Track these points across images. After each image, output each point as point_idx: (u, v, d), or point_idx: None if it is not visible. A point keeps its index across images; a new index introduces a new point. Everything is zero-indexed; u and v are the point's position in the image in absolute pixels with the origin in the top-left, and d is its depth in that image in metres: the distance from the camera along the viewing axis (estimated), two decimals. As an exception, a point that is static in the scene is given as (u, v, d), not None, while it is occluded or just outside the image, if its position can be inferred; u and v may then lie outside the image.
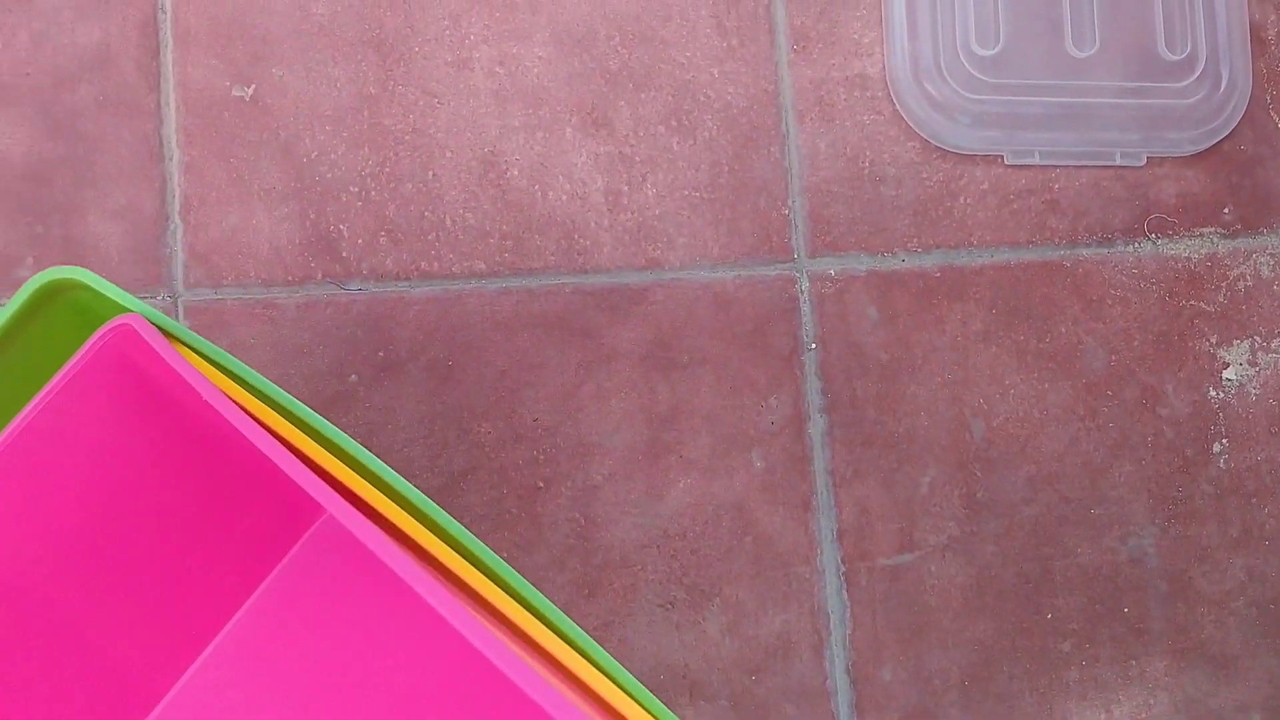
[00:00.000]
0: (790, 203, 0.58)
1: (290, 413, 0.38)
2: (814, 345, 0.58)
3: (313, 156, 0.55)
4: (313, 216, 0.54)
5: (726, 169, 0.58)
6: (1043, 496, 0.58)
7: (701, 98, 0.58)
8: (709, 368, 0.57)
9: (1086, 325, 0.60)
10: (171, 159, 0.54)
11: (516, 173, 0.56)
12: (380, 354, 0.54)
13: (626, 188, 0.57)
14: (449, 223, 0.56)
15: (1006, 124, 0.60)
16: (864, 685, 0.56)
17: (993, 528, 0.58)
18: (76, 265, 0.52)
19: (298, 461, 0.32)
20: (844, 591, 0.56)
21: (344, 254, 0.55)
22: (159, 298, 0.53)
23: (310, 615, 0.45)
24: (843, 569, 0.57)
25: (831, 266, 0.58)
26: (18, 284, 0.52)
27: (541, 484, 0.55)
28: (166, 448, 0.41)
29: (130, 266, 0.53)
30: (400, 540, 0.36)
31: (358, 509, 0.35)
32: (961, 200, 0.59)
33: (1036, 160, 0.60)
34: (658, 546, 0.55)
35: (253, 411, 0.37)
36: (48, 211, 0.52)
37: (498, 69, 0.57)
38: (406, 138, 0.56)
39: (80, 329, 0.38)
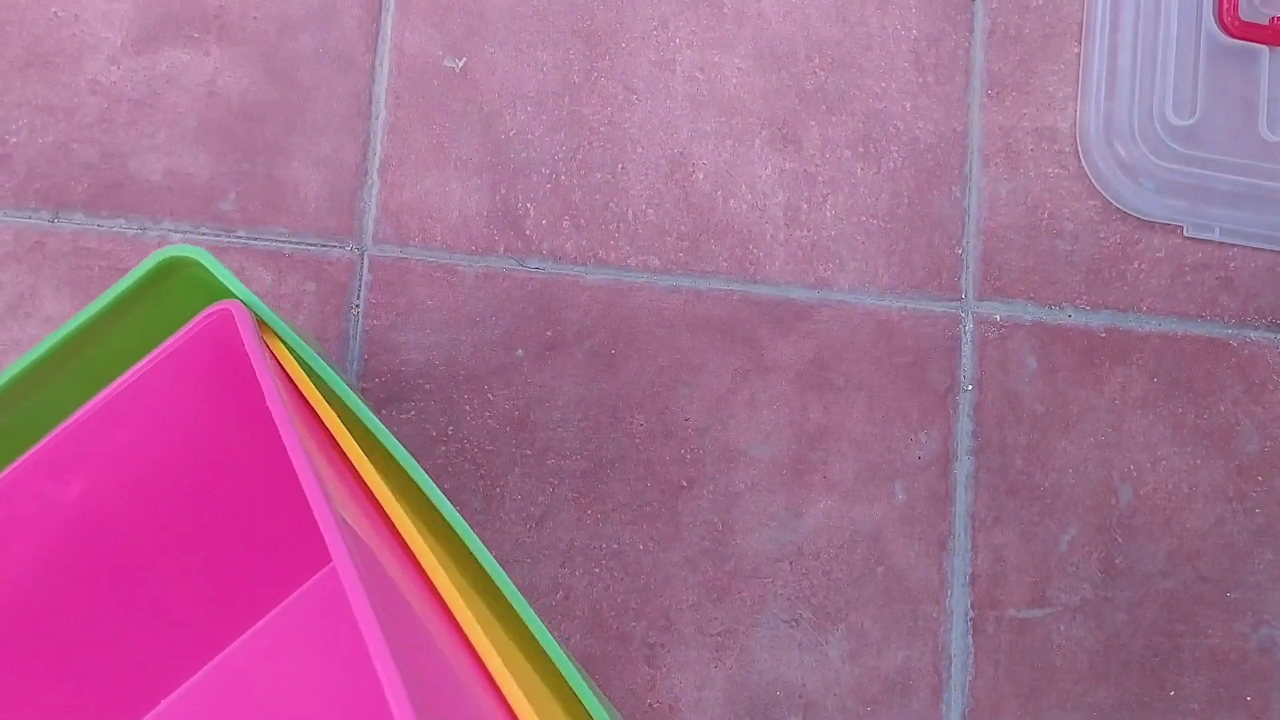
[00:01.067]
0: (964, 243, 0.58)
1: (358, 423, 0.38)
2: (970, 387, 0.57)
3: (510, 134, 0.56)
4: (503, 192, 0.56)
5: (906, 201, 0.58)
6: (1181, 572, 0.57)
7: (891, 128, 0.59)
8: (864, 394, 0.57)
9: (1246, 407, 0.59)
10: (377, 118, 0.55)
11: (702, 176, 0.57)
12: (548, 333, 0.55)
13: (806, 205, 0.58)
14: (630, 216, 0.56)
15: (1191, 195, 0.59)
16: (974, 735, 0.55)
17: (1127, 596, 0.57)
18: (274, 207, 0.54)
19: (324, 501, 0.29)
20: (970, 637, 0.56)
21: (527, 232, 0.56)
22: (347, 248, 0.54)
23: (295, 665, 0.45)
24: (971, 614, 0.56)
25: (998, 311, 0.58)
26: (220, 216, 0.54)
27: (685, 483, 0.55)
28: (237, 442, 0.40)
29: (324, 215, 0.54)
30: (424, 578, 0.35)
31: (398, 543, 0.34)
32: (1136, 265, 0.59)
33: (1216, 236, 0.60)
34: (790, 563, 0.55)
35: (321, 415, 0.36)
36: (256, 150, 0.54)
37: (697, 74, 0.58)
38: (602, 129, 0.57)
39: (200, 305, 0.38)
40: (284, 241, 0.54)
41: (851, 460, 0.56)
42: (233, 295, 0.38)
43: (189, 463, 0.40)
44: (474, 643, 0.31)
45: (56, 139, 0.53)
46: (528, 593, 0.53)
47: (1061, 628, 0.56)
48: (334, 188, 0.54)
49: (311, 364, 0.39)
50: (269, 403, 0.32)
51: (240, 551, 0.43)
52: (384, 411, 0.53)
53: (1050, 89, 0.59)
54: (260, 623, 0.45)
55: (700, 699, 0.53)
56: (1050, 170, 0.59)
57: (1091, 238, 0.58)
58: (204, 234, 0.53)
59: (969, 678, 0.55)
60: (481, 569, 0.37)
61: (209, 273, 0.37)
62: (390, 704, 0.22)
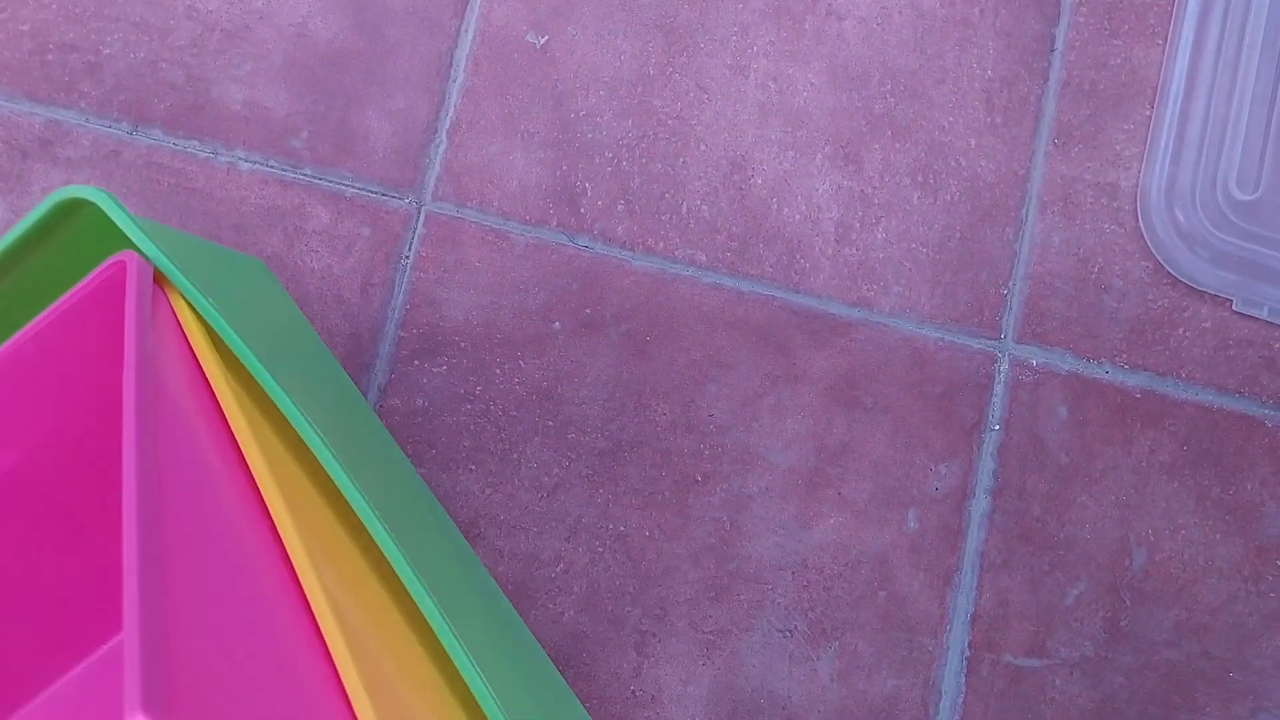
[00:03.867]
0: (1011, 285, 0.58)
1: (263, 395, 0.34)
2: (997, 426, 0.57)
3: (580, 115, 0.57)
4: (564, 168, 0.57)
5: (958, 235, 0.58)
6: (1186, 644, 0.56)
7: (953, 162, 0.59)
8: (890, 417, 0.56)
9: (1273, 489, 0.58)
10: (455, 80, 0.57)
11: (760, 181, 0.58)
12: (587, 310, 0.56)
13: (858, 225, 0.58)
14: (684, 209, 0.57)
15: (1245, 270, 0.59)
16: (953, 777, 0.54)
17: (1128, 660, 0.56)
18: (343, 150, 0.55)
19: (135, 553, 0.22)
20: (963, 676, 0.55)
21: (582, 210, 0.56)
22: (406, 201, 0.56)
23: None
24: (968, 653, 0.55)
25: (1035, 356, 0.58)
26: (290, 152, 0.55)
27: (700, 478, 0.55)
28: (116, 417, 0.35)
29: (390, 165, 0.55)
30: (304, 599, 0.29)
31: (278, 548, 0.29)
32: (1180, 331, 0.58)
33: (1265, 315, 0.59)
34: (793, 573, 0.55)
35: (215, 389, 0.32)
36: (333, 95, 0.56)
37: (770, 83, 0.58)
38: (669, 122, 0.58)
39: (109, 251, 0.34)
40: (347, 185, 0.55)
41: (868, 481, 0.56)
42: (134, 246, 0.34)
43: (89, 436, 0.35)
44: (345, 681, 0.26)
45: (147, 56, 0.55)
46: (528, 561, 0.53)
47: (1057, 681, 0.55)
48: (403, 141, 0.55)
49: (220, 330, 0.35)
50: (127, 377, 0.27)
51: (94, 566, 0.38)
52: (417, 363, 0.54)
53: (1117, 146, 0.59)
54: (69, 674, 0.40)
55: (684, 693, 0.53)
56: (1106, 226, 0.59)
57: (1139, 298, 0.58)
58: (272, 166, 0.54)
59: (956, 716, 0.54)
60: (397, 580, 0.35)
61: (111, 221, 0.34)
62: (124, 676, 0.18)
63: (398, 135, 0.55)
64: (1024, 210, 0.58)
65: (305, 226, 0.54)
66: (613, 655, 0.53)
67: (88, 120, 0.53)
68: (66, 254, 0.35)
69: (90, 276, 0.33)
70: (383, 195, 0.54)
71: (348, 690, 0.26)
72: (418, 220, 0.54)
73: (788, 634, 0.54)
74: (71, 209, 0.34)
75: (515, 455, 0.53)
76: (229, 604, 0.25)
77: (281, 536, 0.29)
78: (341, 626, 0.27)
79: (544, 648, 0.53)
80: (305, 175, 0.54)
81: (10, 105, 0.53)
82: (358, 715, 0.25)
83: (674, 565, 0.53)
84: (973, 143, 0.58)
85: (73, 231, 0.35)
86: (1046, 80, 0.59)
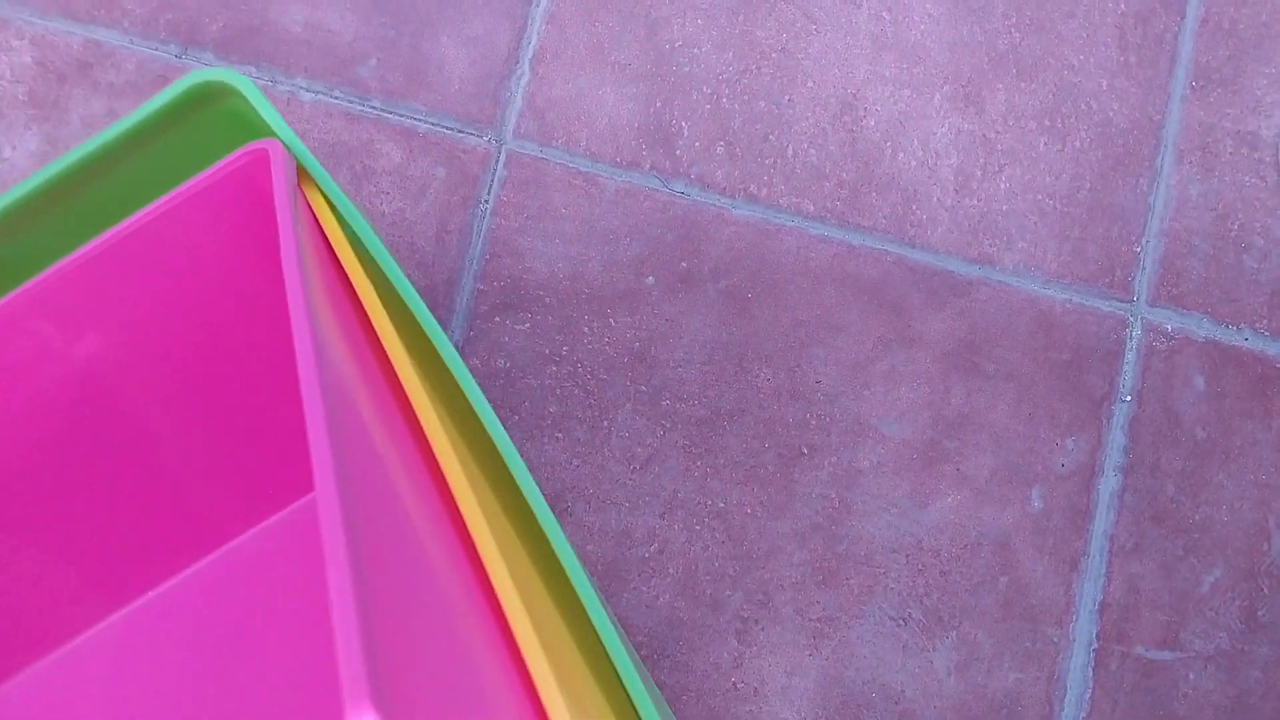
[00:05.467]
0: (1144, 242, 0.53)
1: (405, 312, 0.31)
2: (1129, 398, 0.52)
3: (676, 45, 0.51)
4: (658, 105, 0.51)
5: (1088, 185, 0.53)
6: (1329, 638, 0.52)
7: (1083, 105, 0.53)
8: (1013, 385, 0.51)
9: None
10: (538, 4, 0.51)
11: (872, 123, 0.52)
12: (683, 264, 0.50)
13: (980, 173, 0.52)
14: (790, 153, 0.52)
15: (1398, 230, 0.54)
16: (1074, 778, 0.50)
17: (1265, 653, 0.51)
18: (415, 81, 0.50)
19: (322, 415, 0.21)
20: (1090, 669, 0.50)
21: (678, 152, 0.51)
22: (485, 138, 0.50)
23: (279, 586, 0.37)
24: (1095, 645, 0.50)
25: (1169, 321, 0.52)
26: (356, 82, 0.49)
27: (806, 450, 0.50)
28: (267, 314, 0.33)
29: (466, 99, 0.50)
30: (453, 505, 0.27)
31: (428, 459, 0.27)
32: (1326, 295, 0.53)
33: None
34: (907, 556, 0.50)
35: (359, 291, 0.29)
36: (405, 18, 0.50)
37: (884, 14, 0.53)
38: (773, 55, 0.52)
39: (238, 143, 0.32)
40: (419, 119, 0.49)
41: (989, 456, 0.50)
42: (274, 135, 0.31)
43: (211, 332, 0.33)
44: (503, 602, 0.24)
45: (196, -27, 0.49)
46: (619, 539, 0.48)
47: (1191, 676, 0.50)
48: (481, 71, 0.50)
49: (363, 236, 0.31)
50: (284, 262, 0.24)
51: (255, 443, 0.37)
52: (497, 319, 0.48)
53: (1259, 92, 0.54)
54: (253, 530, 0.39)
55: (789, 686, 0.48)
56: (1246, 179, 0.53)
57: (1283, 258, 0.53)
58: (336, 98, 0.49)
59: (1082, 713, 0.50)
60: (526, 506, 0.31)
61: (253, 108, 0.30)
62: (341, 671, 0.15)
63: (475, 65, 0.49)
64: (1159, 160, 0.53)
65: (374, 165, 0.48)
66: (712, 644, 0.48)
67: (132, 41, 0.47)
68: (183, 148, 0.31)
69: (223, 162, 0.29)
70: (459, 132, 0.49)
71: (535, 677, 0.21)
72: (497, 160, 0.49)
73: (901, 622, 0.49)
74: (204, 97, 0.30)
75: (605, 423, 0.48)
76: (411, 567, 0.21)
77: (441, 464, 0.25)
78: (519, 588, 0.22)
79: (635, 634, 0.48)
80: (373, 108, 0.48)
81: (45, 23, 0.47)
82: (546, 705, 0.21)
83: (778, 546, 0.48)
84: (1104, 84, 0.53)
85: (194, 125, 0.31)
86: (1183, 17, 0.54)
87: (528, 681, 0.22)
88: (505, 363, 0.48)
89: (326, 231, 0.29)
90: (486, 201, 0.48)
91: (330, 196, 0.30)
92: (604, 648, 0.29)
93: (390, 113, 0.48)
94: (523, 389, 0.48)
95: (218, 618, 0.37)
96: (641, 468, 0.48)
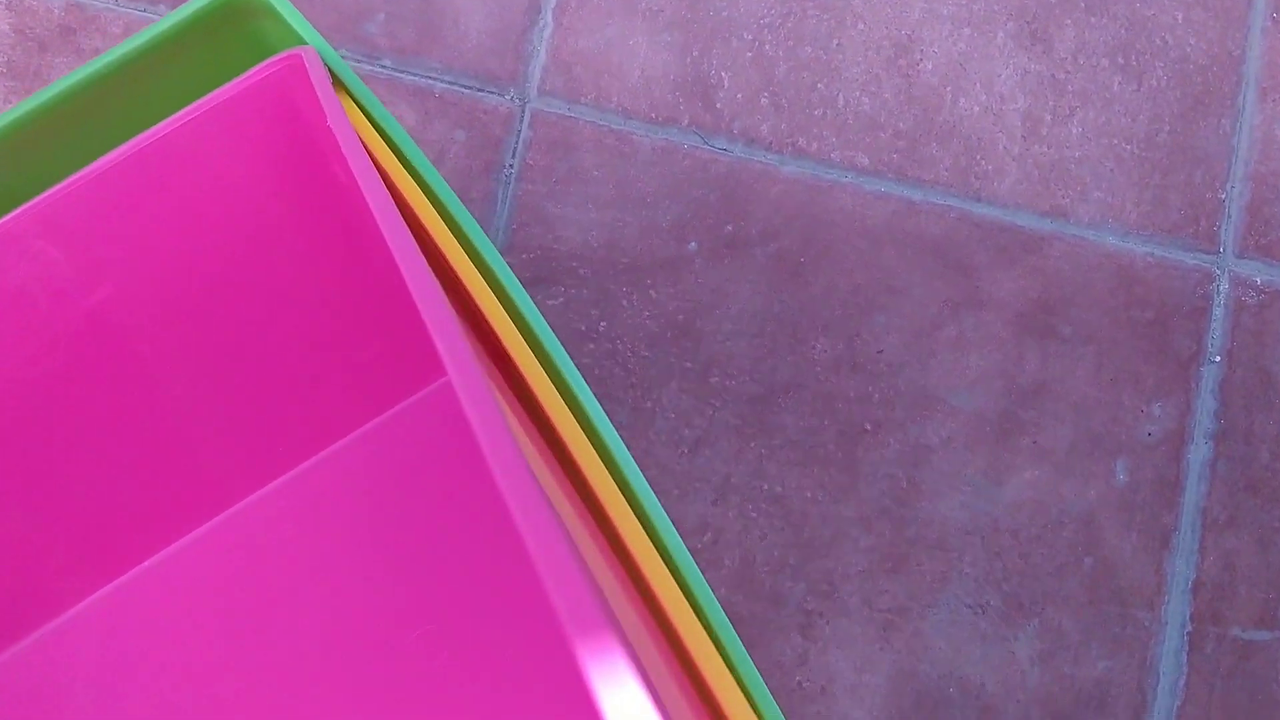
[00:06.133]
0: (1229, 187, 0.48)
1: (454, 224, 0.28)
2: (1218, 358, 0.48)
3: (712, -12, 0.47)
4: (695, 54, 0.47)
5: (1167, 127, 0.49)
6: None
7: (1158, 41, 0.49)
8: (1093, 349, 0.47)
9: None
10: (560, -52, 0.46)
11: (930, 67, 0.48)
12: (728, 227, 0.46)
13: (1049, 117, 0.48)
14: (841, 102, 0.47)
15: None
16: (1176, 772, 0.46)
17: (1375, 632, 0.47)
18: (428, 36, 0.45)
19: (436, 294, 0.20)
20: (1184, 654, 0.46)
21: (718, 105, 0.47)
22: (507, 96, 0.46)
23: (393, 489, 0.35)
24: (1189, 628, 0.46)
25: (1259, 274, 0.48)
26: (364, 39, 0.45)
27: (869, 427, 0.46)
28: (302, 235, 0.31)
29: (485, 53, 0.46)
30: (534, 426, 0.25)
31: (493, 362, 0.25)
32: None
33: None
34: (983, 538, 0.46)
35: (420, 215, 0.26)
36: (414, -31, 0.46)
37: (938, -53, 0.48)
38: (819, -5, 0.47)
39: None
40: (435, 79, 0.45)
41: (1069, 426, 0.46)
42: (305, 43, 0.27)
43: (239, 259, 0.30)
44: (629, 545, 0.22)
45: (185, -75, 0.44)
46: (667, 531, 0.44)
47: (1294, 658, 0.46)
48: (501, 23, 0.45)
49: (409, 154, 0.28)
50: (348, 160, 0.21)
51: (270, 394, 0.34)
52: (528, 293, 0.44)
53: (1349, 19, 0.49)
54: (288, 475, 0.36)
55: (859, 684, 0.44)
56: (1339, 115, 0.49)
57: (1381, 200, 0.48)
58: (343, 58, 0.44)
59: (1177, 702, 0.46)
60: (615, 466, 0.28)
61: (286, 23, 0.27)
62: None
63: (494, 17, 0.45)
64: (1240, 98, 0.48)
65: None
66: (773, 640, 0.44)
67: (117, 2, 0.43)
68: (204, 73, 0.29)
69: (253, 71, 0.26)
70: (478, 91, 0.45)
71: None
72: (522, 121, 0.45)
73: (979, 610, 0.45)
74: (234, 11, 0.27)
75: (649, 404, 0.44)
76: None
77: (552, 417, 0.23)
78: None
79: (690, 633, 0.44)
80: (384, 67, 0.44)
81: (20, -15, 0.43)
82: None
83: (842, 532, 0.44)
84: (1179, 16, 0.48)
85: (217, 48, 0.28)
86: (1264, -61, 0.49)
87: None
88: (539, 342, 0.44)
89: (375, 154, 0.26)
90: (511, 166, 0.44)
91: (372, 113, 0.27)
92: (715, 633, 0.25)
93: (402, 72, 0.44)
94: (559, 370, 0.44)
95: (221, 589, 0.34)
96: (690, 451, 0.44)
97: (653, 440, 0.44)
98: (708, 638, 0.22)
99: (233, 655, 0.33)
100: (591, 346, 0.44)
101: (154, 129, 0.27)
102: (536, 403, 0.25)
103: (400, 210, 0.26)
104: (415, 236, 0.26)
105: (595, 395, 0.44)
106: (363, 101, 0.28)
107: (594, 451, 0.24)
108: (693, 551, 0.43)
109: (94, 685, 0.33)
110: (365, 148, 0.26)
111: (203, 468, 0.34)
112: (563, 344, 0.43)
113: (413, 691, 0.32)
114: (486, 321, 0.26)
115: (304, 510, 0.35)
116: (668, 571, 0.22)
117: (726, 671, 0.22)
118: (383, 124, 0.28)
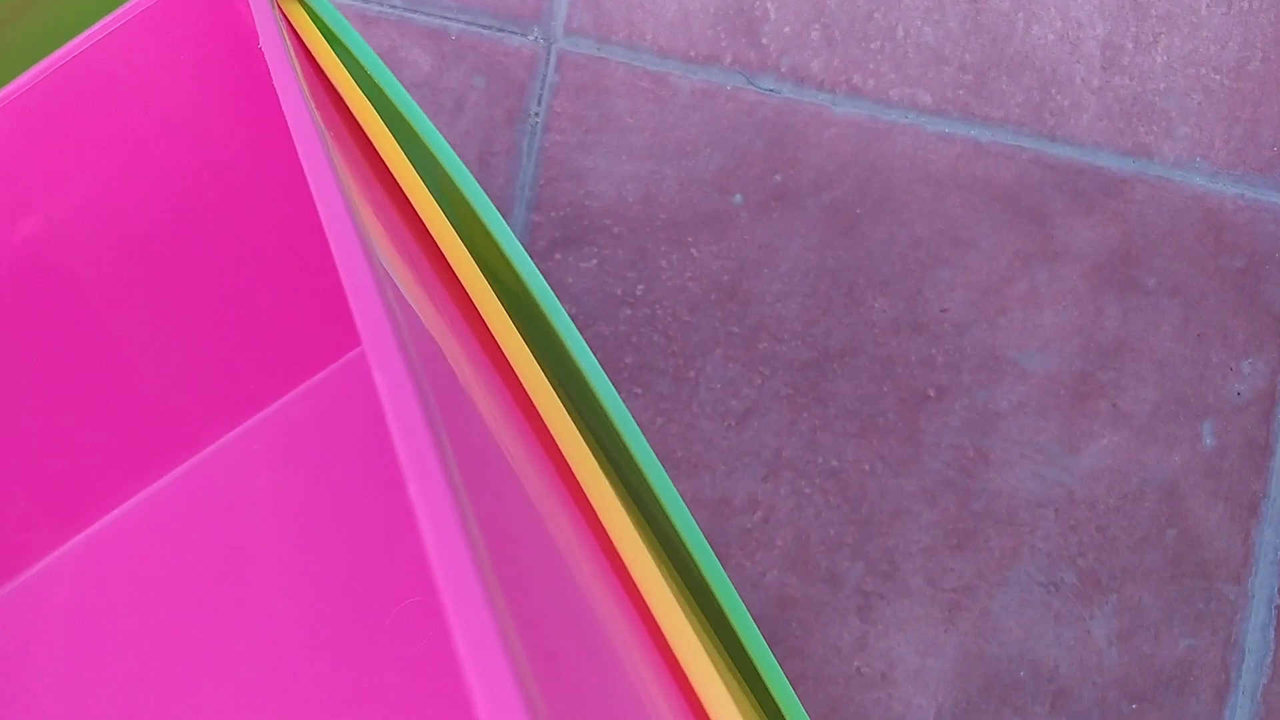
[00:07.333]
0: (1330, 119, 0.44)
1: (426, 149, 0.25)
2: (1315, 309, 0.44)
3: (755, -93, 0.42)
4: (737, -17, 0.42)
5: (1259, 55, 0.44)
6: None
7: (1254, -46, 0.44)
8: (1178, 301, 0.43)
9: None
10: None
11: (999, -9, 0.43)
12: (777, 177, 0.42)
13: (1131, 45, 0.43)
14: (901, 33, 0.43)
15: None
16: (1263, 754, 0.43)
17: None
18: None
19: (354, 245, 0.17)
20: (1271, 630, 0.43)
21: (764, 41, 0.42)
22: (530, 37, 0.41)
23: (291, 475, 0.32)
24: (1277, 601, 0.43)
25: (1362, 214, 0.44)
26: (367, -24, 0.41)
27: (933, 392, 0.42)
28: (260, 141, 0.27)
29: (503, -11, 0.41)
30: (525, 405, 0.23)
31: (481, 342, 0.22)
32: None
33: None
34: (1057, 510, 0.43)
35: (372, 137, 0.23)
36: (423, -106, 0.41)
37: None
38: (874, -88, 0.43)
39: None
40: (451, 19, 0.41)
41: (1151, 387, 0.43)
42: None
43: (182, 188, 0.27)
44: (601, 514, 0.19)
45: None
46: (716, 509, 0.41)
47: (1392, 632, 0.43)
48: (520, -47, 0.41)
49: (383, 82, 0.24)
50: (276, 84, 0.19)
51: (243, 322, 0.31)
52: (558, 255, 0.41)
53: None
54: (257, 417, 0.33)
55: (922, 668, 0.41)
56: None
57: None
58: (347, -3, 0.40)
59: (1263, 680, 0.43)
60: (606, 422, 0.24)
61: None
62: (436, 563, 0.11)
63: (513, -54, 0.40)
64: (1345, 16, 0.43)
65: (400, 76, 0.40)
66: (830, 624, 0.41)
67: (95, -59, 0.39)
68: None
69: None
70: (499, 31, 0.40)
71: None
72: (547, 64, 0.40)
73: (1052, 588, 0.41)
74: None
75: (692, 374, 0.41)
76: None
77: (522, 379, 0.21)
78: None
79: (741, 618, 0.41)
80: (394, 7, 0.40)
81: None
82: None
83: (903, 507, 0.41)
84: (1279, -74, 0.43)
85: None
86: None
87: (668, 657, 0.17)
88: (570, 308, 0.40)
89: (331, 74, 0.22)
90: (537, 115, 0.40)
91: (332, 28, 0.23)
92: (732, 627, 0.22)
93: (415, 12, 0.40)
94: (593, 338, 0.40)
95: (188, 541, 0.32)
96: (738, 423, 0.40)
97: (696, 413, 0.40)
98: (695, 639, 0.19)
99: (203, 606, 0.31)
100: (628, 312, 0.40)
101: (68, 46, 0.24)
102: (516, 378, 0.22)
103: (362, 150, 0.22)
104: (380, 181, 0.23)
105: (632, 366, 0.40)
106: (323, 15, 0.24)
107: (584, 443, 0.21)
108: (740, 532, 0.40)
109: (62, 640, 0.31)
110: (319, 70, 0.22)
111: (163, 413, 0.31)
112: (596, 312, 0.40)
113: (379, 630, 0.30)
114: (460, 284, 0.22)
115: (273, 455, 0.32)
116: (655, 566, 0.19)
117: (715, 675, 0.19)
118: (345, 41, 0.24)
